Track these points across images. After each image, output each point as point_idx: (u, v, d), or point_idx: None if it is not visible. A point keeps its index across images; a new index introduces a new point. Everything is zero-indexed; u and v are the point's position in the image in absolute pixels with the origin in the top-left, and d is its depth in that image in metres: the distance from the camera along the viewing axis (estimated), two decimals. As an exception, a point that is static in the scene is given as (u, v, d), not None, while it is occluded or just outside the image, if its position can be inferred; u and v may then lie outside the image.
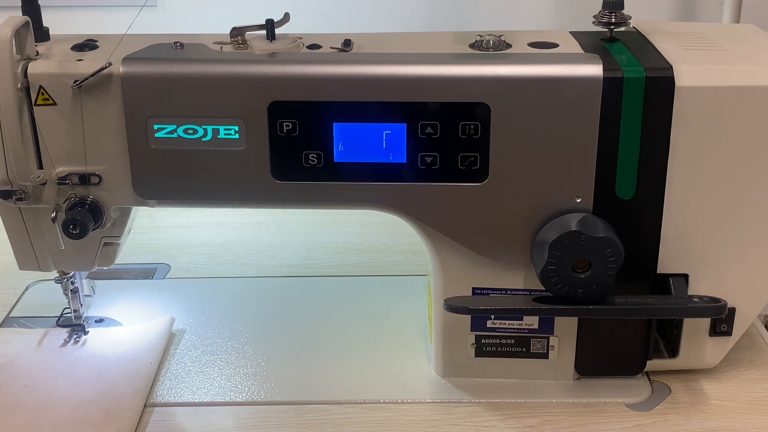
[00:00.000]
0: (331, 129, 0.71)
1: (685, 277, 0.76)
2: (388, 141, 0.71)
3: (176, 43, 0.75)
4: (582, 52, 0.73)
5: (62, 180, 0.75)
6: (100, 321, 0.91)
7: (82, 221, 0.74)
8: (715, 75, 0.70)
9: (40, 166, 0.74)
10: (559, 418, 0.78)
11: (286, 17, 0.75)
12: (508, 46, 0.74)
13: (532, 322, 0.79)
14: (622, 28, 0.76)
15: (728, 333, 0.79)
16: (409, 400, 0.80)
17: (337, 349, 0.87)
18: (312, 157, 0.72)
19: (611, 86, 0.69)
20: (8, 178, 0.74)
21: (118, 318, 0.92)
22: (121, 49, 0.73)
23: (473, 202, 0.73)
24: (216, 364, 0.85)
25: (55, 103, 0.72)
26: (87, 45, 0.75)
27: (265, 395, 0.80)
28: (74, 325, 0.88)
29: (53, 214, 0.75)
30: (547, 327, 0.80)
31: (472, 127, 0.70)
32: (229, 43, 0.75)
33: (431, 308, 0.83)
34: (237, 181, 0.73)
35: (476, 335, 0.81)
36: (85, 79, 0.71)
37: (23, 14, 0.73)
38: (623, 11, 0.75)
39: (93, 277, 0.92)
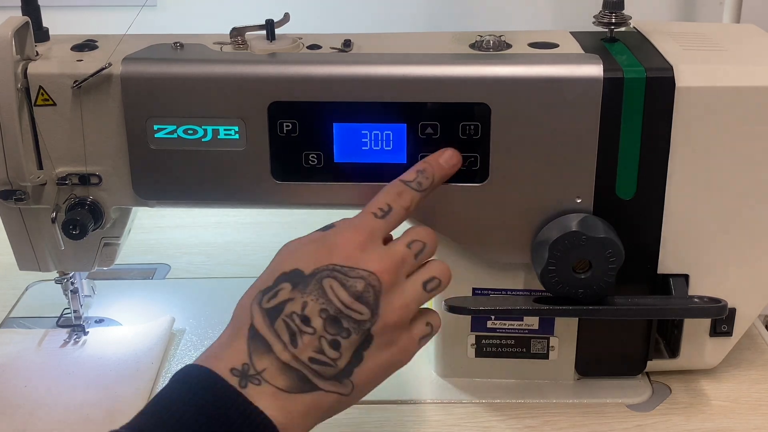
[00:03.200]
0: (331, 129, 0.71)
1: (686, 277, 0.75)
2: (388, 141, 0.71)
3: (176, 43, 0.74)
4: (582, 52, 0.73)
5: (62, 180, 0.74)
6: (100, 321, 0.91)
7: (82, 222, 0.74)
8: (715, 75, 0.70)
9: (40, 167, 0.74)
10: (559, 419, 0.78)
11: (286, 17, 0.75)
12: (508, 46, 0.74)
13: (532, 322, 0.79)
14: (623, 28, 0.76)
15: (729, 333, 0.79)
16: (409, 400, 0.80)
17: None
18: (312, 157, 0.72)
19: (611, 86, 0.69)
20: (8, 179, 0.74)
21: (118, 318, 0.92)
22: (121, 49, 0.73)
23: (473, 202, 0.73)
24: (216, 364, 0.85)
25: (54, 104, 0.72)
26: (87, 45, 0.75)
27: (265, 395, 0.80)
28: (74, 326, 0.88)
29: (53, 215, 0.75)
30: (547, 327, 0.79)
31: (472, 127, 0.70)
32: (229, 44, 0.75)
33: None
34: (237, 182, 0.73)
35: (476, 335, 0.81)
36: (85, 79, 0.71)
37: (23, 14, 0.73)
38: (623, 11, 0.75)
39: (93, 277, 0.91)
